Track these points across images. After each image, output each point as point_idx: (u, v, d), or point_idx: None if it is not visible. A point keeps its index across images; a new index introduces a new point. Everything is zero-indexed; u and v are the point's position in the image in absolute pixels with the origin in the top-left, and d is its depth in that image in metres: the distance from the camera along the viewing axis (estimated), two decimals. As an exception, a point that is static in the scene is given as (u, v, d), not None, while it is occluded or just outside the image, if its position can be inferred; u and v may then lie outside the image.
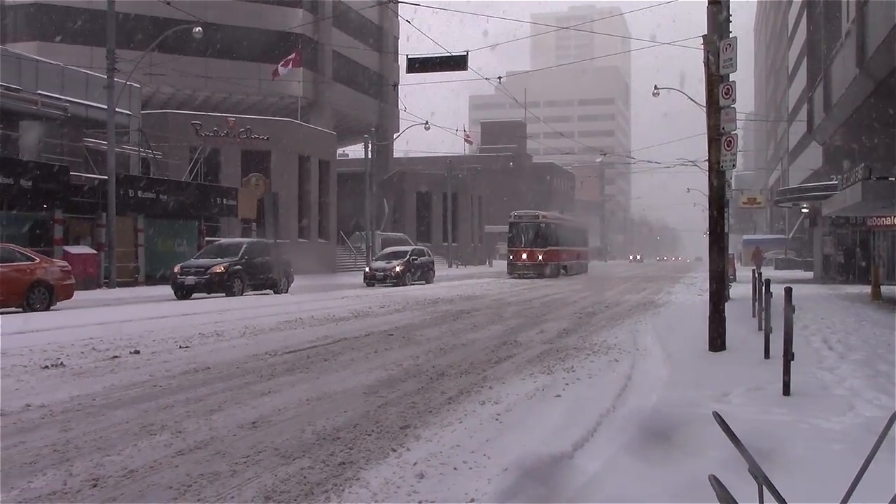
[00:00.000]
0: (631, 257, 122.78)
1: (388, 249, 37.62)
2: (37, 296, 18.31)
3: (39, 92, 30.95)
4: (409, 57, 26.78)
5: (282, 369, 9.20)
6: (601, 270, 59.06)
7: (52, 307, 18.55)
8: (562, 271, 44.61)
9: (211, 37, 37.29)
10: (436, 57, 26.74)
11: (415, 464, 5.19)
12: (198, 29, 30.75)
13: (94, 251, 29.56)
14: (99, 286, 28.72)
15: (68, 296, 19.46)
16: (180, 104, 50.19)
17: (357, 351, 10.94)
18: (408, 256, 34.41)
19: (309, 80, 54.31)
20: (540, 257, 42.36)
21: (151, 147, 37.98)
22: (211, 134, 41.58)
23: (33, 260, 18.74)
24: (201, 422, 6.40)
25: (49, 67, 33.82)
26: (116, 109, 30.64)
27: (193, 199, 35.63)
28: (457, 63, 26.52)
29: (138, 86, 37.85)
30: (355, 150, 66.00)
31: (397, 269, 33.08)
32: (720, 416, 2.53)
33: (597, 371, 9.12)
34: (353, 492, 4.62)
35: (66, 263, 20.08)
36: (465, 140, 68.27)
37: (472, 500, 4.50)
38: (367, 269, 34.36)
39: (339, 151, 61.46)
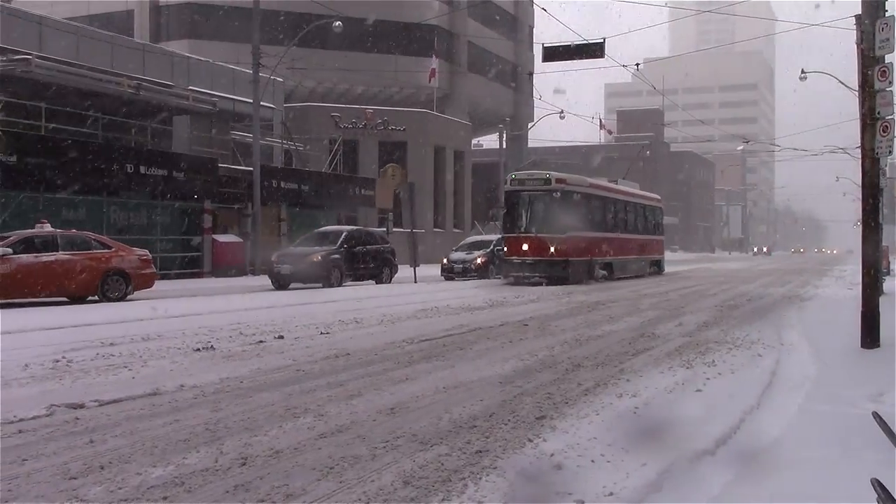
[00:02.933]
0: (755, 249, 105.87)
1: (470, 239, 34.12)
2: (111, 284, 17.93)
3: (190, 88, 32.49)
4: (545, 45, 26.64)
5: (418, 357, 9.35)
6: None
7: (128, 297, 18.20)
8: (598, 272, 27.55)
9: (350, 30, 38.15)
10: (572, 45, 26.47)
11: (551, 455, 5.16)
12: (337, 23, 31.55)
13: (241, 239, 30.84)
14: (245, 273, 29.97)
15: (147, 285, 19.02)
16: (321, 97, 51.59)
17: (492, 340, 10.99)
18: (492, 247, 30.37)
19: (444, 70, 54.74)
20: (552, 250, 25.22)
21: (293, 139, 39.27)
22: (350, 126, 42.60)
23: (110, 248, 18.36)
24: (342, 406, 6.58)
25: (199, 64, 35.48)
26: (261, 103, 31.83)
27: (333, 190, 36.68)
28: (593, 50, 26.23)
29: (281, 80, 39.14)
30: (490, 140, 66.15)
31: (479, 260, 29.55)
32: (880, 417, 2.40)
33: (739, 366, 8.82)
34: (490, 480, 4.65)
35: (145, 252, 19.50)
36: (603, 129, 67.23)
37: (611, 494, 4.45)
38: (444, 261, 30.59)
39: (474, 141, 61.75)
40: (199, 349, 9.65)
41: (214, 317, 13.92)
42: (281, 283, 23.44)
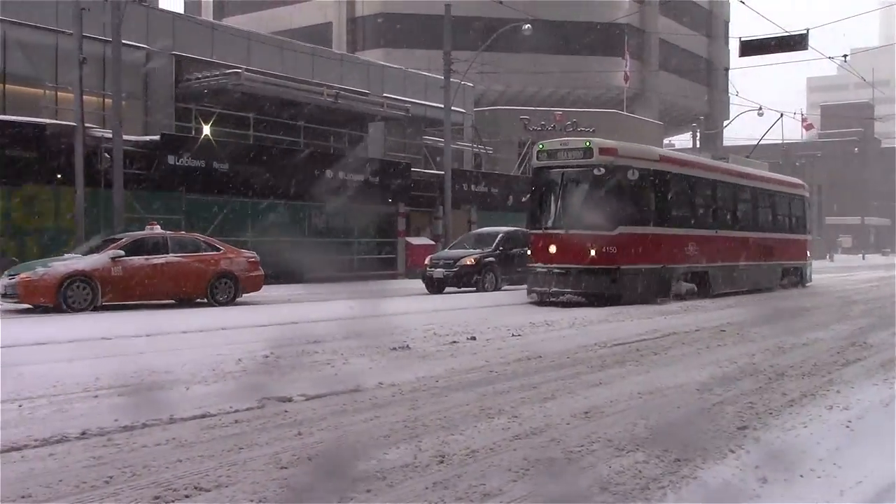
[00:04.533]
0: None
1: (477, 231, 27.41)
2: (220, 287, 17.79)
3: (385, 95, 33.70)
4: (743, 39, 25.59)
5: (611, 361, 9.21)
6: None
7: (237, 300, 18.03)
8: (680, 286, 19.17)
9: (538, 33, 38.19)
10: (772, 38, 25.28)
11: (756, 467, 4.94)
12: (527, 26, 31.72)
13: (433, 242, 31.60)
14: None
15: (255, 288, 18.70)
16: (510, 100, 51.98)
17: (687, 346, 10.66)
18: (496, 241, 23.51)
19: (635, 69, 53.74)
20: (592, 254, 17.61)
21: (483, 142, 39.80)
22: (539, 128, 42.64)
23: (219, 250, 18.19)
24: (536, 408, 6.59)
25: (393, 72, 36.73)
26: (452, 108, 32.49)
27: (522, 192, 36.81)
28: (795, 43, 24.91)
29: (471, 85, 39.79)
30: (682, 140, 64.33)
31: (467, 262, 22.47)
32: None
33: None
34: (690, 490, 4.51)
35: (253, 254, 18.98)
36: (804, 126, 63.73)
37: (823, 512, 4.20)
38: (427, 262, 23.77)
39: (665, 141, 60.24)
40: (395, 349, 9.95)
41: (409, 318, 14.35)
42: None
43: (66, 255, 17.34)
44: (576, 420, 6.19)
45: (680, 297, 18.82)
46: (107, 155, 22.09)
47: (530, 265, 18.74)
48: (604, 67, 51.46)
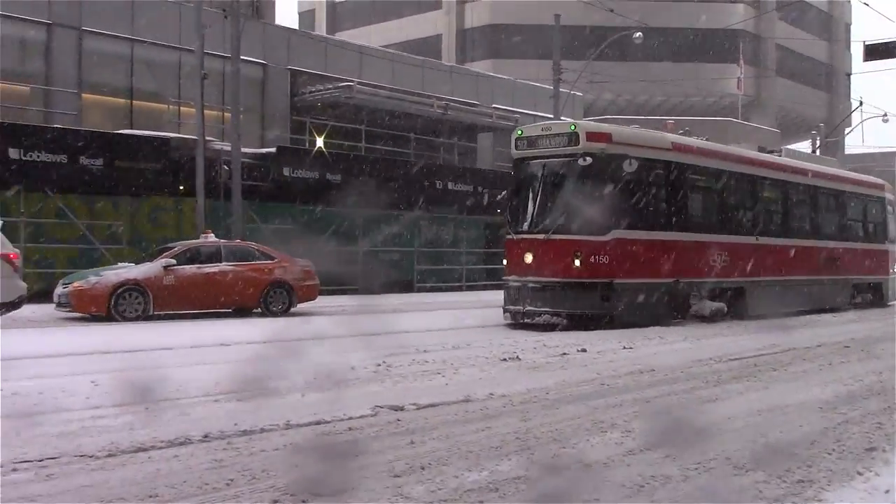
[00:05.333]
0: None
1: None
2: (275, 297, 17.45)
3: (494, 105, 33.80)
4: (867, 43, 24.56)
5: (727, 376, 8.96)
6: None
7: (291, 309, 17.61)
8: (704, 306, 16.00)
9: (649, 40, 37.64)
10: (899, 41, 24.19)
11: (886, 491, 4.71)
12: (638, 34, 31.29)
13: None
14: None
15: (310, 297, 18.23)
16: (620, 110, 51.35)
17: (809, 362, 10.27)
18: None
19: (750, 75, 52.28)
20: (577, 264, 14.45)
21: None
22: (649, 137, 41.95)
23: (272, 258, 17.80)
24: (649, 423, 6.46)
25: (502, 82, 36.84)
26: (561, 118, 32.28)
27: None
28: (925, 46, 23.74)
29: (580, 94, 39.47)
30: (802, 148, 62.15)
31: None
32: None
33: None
34: (815, 513, 4.34)
35: (308, 262, 18.51)
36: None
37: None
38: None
39: (784, 149, 58.30)
40: (505, 359, 9.94)
41: (515, 330, 14.30)
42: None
43: (120, 264, 17.47)
44: (691, 436, 6.05)
45: (703, 318, 15.67)
46: (226, 167, 22.91)
47: (504, 278, 15.63)
48: (717, 74, 50.20)
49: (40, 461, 5.03)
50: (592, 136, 14.67)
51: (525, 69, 44.35)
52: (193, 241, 17.85)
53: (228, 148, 22.70)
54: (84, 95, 25.40)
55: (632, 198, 14.90)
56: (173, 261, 16.36)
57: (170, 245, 17.62)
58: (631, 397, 7.58)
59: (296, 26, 51.08)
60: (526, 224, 15.17)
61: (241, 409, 6.73)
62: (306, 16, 60.90)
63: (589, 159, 14.38)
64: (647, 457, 5.44)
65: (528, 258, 14.76)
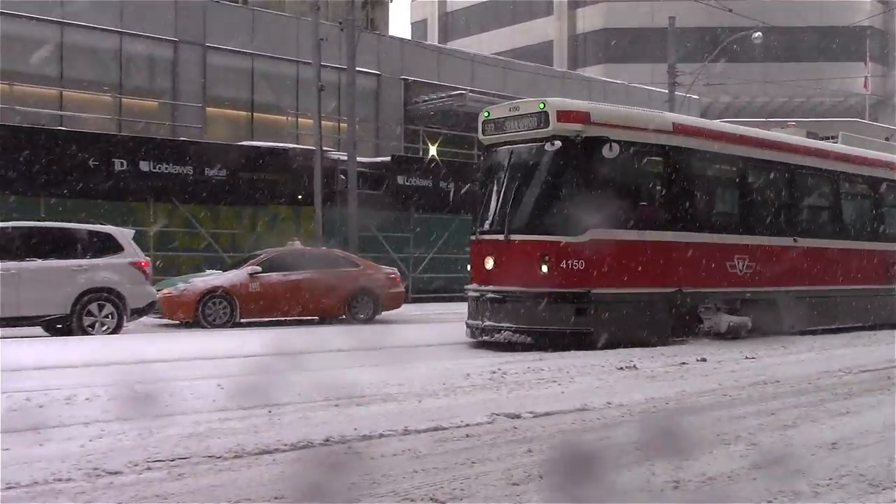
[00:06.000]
0: None
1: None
2: (360, 304, 17.42)
3: (607, 111, 33.35)
4: None
5: (858, 389, 8.56)
6: None
7: (376, 317, 17.59)
8: (721, 320, 13.38)
9: (769, 40, 36.47)
10: None
11: None
12: (757, 34, 30.39)
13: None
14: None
15: (395, 305, 18.17)
16: (738, 112, 49.90)
17: (948, 375, 9.72)
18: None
19: (877, 74, 50.02)
20: (544, 270, 11.99)
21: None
22: (769, 140, 40.63)
23: (357, 266, 17.87)
24: (775, 436, 6.23)
25: (615, 87, 36.41)
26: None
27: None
28: None
29: (697, 97, 38.58)
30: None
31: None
32: None
33: None
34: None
35: (393, 270, 18.67)
36: None
37: None
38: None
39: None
40: (621, 368, 9.79)
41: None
42: None
43: (209, 271, 17.89)
44: (821, 451, 5.80)
45: (719, 335, 13.24)
46: (342, 176, 23.42)
47: (466, 287, 13.34)
48: (841, 73, 48.21)
49: (172, 461, 5.22)
50: (565, 116, 12.22)
51: (639, 74, 43.67)
52: (279, 248, 18.00)
53: (345, 157, 23.22)
54: (208, 109, 26.45)
55: (617, 190, 12.42)
56: (259, 268, 16.56)
57: (256, 252, 17.88)
58: (755, 409, 7.34)
59: (409, 36, 51.83)
60: (487, 223, 12.83)
61: (359, 415, 6.83)
62: (419, 26, 61.68)
63: (558, 143, 12.00)
64: (774, 471, 5.25)
65: (489, 263, 12.47)
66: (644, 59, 47.38)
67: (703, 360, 10.64)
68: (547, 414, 6.95)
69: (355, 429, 6.17)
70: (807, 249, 15.11)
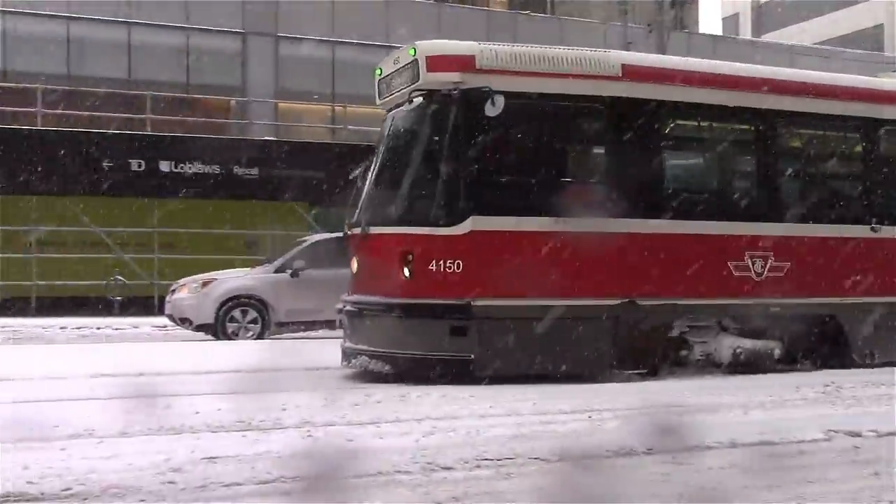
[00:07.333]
0: None
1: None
2: None
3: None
4: None
5: None
6: None
7: None
8: (700, 349, 9.40)
9: None
10: None
11: None
12: None
13: None
14: None
15: None
16: None
17: None
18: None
19: None
20: (406, 273, 8.69)
21: None
22: None
23: None
24: None
25: None
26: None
27: None
28: None
29: None
30: None
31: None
32: None
33: None
34: None
35: None
36: None
37: None
38: None
39: None
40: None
41: None
42: None
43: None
44: None
45: (715, 365, 9.40)
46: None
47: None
48: None
49: (498, 460, 5.39)
50: (438, 63, 8.79)
51: None
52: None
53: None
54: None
55: (518, 161, 9.19)
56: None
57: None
58: None
59: (720, 32, 49.95)
60: (355, 213, 9.84)
61: (684, 424, 6.66)
62: (730, 20, 59.22)
63: (419, 100, 8.91)
64: None
65: (354, 266, 9.67)
66: None
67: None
68: (891, 434, 6.32)
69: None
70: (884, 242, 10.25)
